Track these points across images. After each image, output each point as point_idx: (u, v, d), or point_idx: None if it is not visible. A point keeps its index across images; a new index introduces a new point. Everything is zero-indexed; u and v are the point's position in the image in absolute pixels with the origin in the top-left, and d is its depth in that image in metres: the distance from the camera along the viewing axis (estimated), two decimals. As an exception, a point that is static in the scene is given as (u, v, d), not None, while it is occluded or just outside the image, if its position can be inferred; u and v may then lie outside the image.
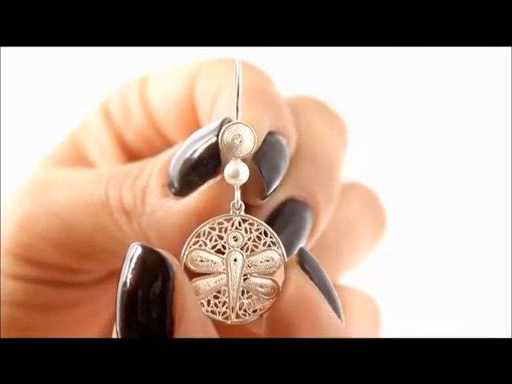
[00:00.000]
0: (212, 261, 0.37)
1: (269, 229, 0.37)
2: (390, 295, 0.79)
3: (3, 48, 0.42)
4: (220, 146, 0.37)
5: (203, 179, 0.37)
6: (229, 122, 0.37)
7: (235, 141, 0.36)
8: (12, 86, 0.78)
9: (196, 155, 0.37)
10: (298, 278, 0.36)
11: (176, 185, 0.38)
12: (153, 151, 0.44)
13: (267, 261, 0.37)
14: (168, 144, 0.44)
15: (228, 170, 0.37)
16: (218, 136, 0.37)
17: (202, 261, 0.36)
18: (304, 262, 0.36)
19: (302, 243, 0.40)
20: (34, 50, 0.74)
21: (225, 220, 0.37)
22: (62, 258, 0.43)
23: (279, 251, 0.37)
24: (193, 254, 0.37)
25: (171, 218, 0.38)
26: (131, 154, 0.47)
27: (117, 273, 0.45)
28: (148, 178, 0.39)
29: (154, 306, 0.34)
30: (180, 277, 0.35)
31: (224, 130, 0.36)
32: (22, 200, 0.44)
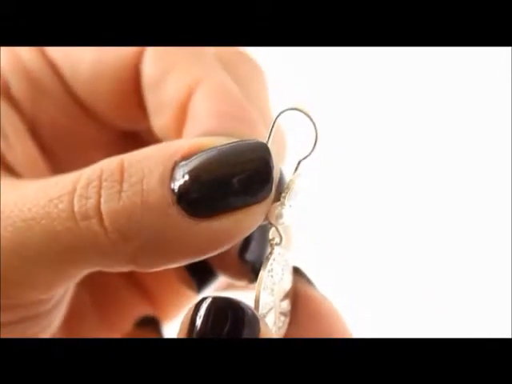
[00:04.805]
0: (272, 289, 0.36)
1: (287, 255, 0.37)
2: (390, 295, 0.79)
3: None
4: (285, 189, 0.34)
5: (248, 203, 0.33)
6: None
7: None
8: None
9: (244, 175, 0.33)
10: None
11: (201, 204, 0.33)
12: (80, 134, 0.40)
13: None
14: (102, 127, 0.40)
15: (275, 211, 0.34)
16: (270, 162, 0.33)
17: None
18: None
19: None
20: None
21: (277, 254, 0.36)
22: (29, 296, 0.36)
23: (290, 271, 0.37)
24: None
25: (187, 243, 0.33)
26: (48, 149, 0.41)
27: None
28: (139, 187, 0.33)
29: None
30: (266, 331, 0.33)
31: (297, 176, 0.34)
32: None
